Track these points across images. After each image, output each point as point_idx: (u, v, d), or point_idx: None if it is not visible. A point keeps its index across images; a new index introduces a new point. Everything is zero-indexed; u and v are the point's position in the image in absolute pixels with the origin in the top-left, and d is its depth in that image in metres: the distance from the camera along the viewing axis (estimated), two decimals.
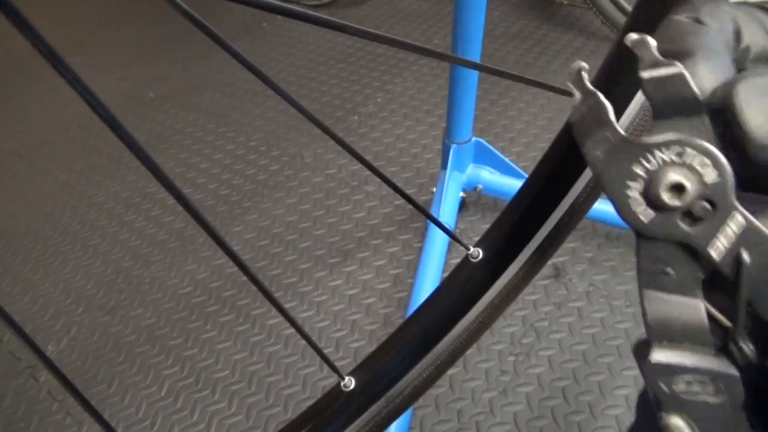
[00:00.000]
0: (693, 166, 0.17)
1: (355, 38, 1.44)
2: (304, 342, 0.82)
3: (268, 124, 1.25)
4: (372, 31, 0.27)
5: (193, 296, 0.92)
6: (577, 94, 0.19)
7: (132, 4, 1.87)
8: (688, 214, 0.17)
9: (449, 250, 0.88)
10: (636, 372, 0.73)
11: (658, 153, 0.17)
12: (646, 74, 0.17)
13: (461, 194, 0.92)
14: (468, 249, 0.36)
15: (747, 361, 0.17)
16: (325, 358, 0.36)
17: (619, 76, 0.33)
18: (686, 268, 0.18)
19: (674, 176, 0.17)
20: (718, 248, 0.17)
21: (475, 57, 0.75)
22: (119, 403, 0.80)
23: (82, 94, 0.21)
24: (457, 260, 0.39)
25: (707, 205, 0.17)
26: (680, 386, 0.18)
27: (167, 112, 1.34)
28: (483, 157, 0.91)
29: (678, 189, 0.17)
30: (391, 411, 0.36)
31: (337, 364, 0.79)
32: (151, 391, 0.80)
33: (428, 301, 0.38)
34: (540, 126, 1.13)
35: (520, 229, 0.36)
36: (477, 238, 0.37)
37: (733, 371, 0.17)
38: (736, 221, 0.17)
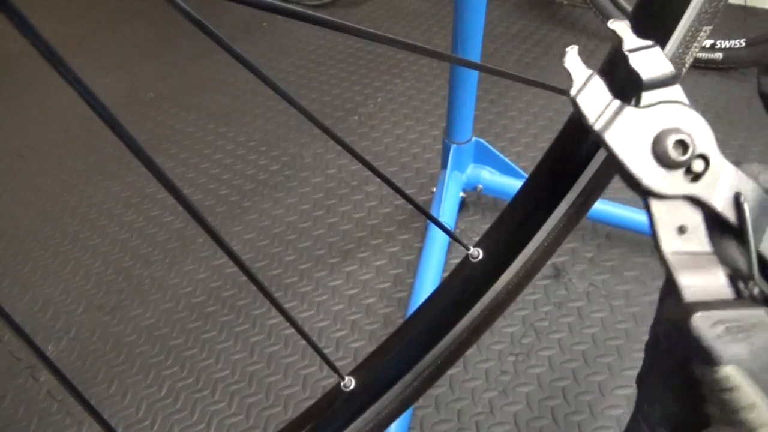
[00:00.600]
0: (685, 128, 0.20)
1: (355, 38, 1.44)
2: (304, 342, 0.82)
3: (268, 124, 1.25)
4: (372, 31, 0.27)
5: (193, 296, 0.92)
6: (575, 75, 0.20)
7: (132, 3, 1.87)
8: (689, 172, 0.20)
9: (449, 250, 0.88)
10: (636, 372, 0.73)
11: (656, 117, 0.19)
12: (628, 50, 0.20)
13: (461, 194, 0.92)
14: (468, 249, 0.36)
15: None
16: (325, 358, 0.36)
17: (619, 76, 0.33)
18: (696, 223, 0.20)
19: (677, 135, 0.19)
20: (718, 198, 0.20)
21: (475, 57, 0.75)
22: (119, 403, 0.80)
23: (82, 94, 0.21)
24: (457, 260, 0.39)
25: (702, 162, 0.20)
26: (722, 336, 0.18)
27: (167, 112, 1.34)
28: (483, 157, 0.91)
29: (682, 145, 0.19)
30: (391, 411, 0.36)
31: (337, 364, 0.79)
32: (151, 391, 0.80)
33: (428, 301, 0.38)
34: (540, 126, 1.13)
35: (520, 229, 0.36)
36: (477, 238, 0.37)
37: (760, 311, 0.18)
38: (728, 172, 0.20)
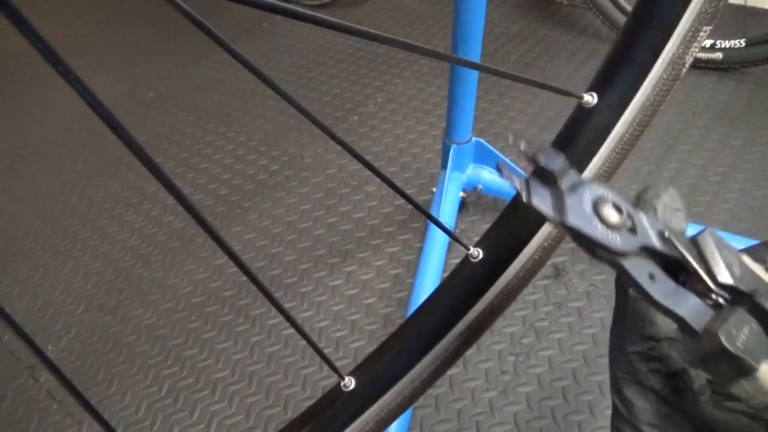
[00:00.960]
0: (602, 194, 0.24)
1: (355, 38, 1.44)
2: (304, 342, 0.82)
3: (268, 124, 1.25)
4: (372, 31, 0.27)
5: (193, 296, 0.92)
6: (516, 184, 0.24)
7: (132, 3, 1.87)
8: (630, 229, 0.24)
9: (449, 250, 0.88)
10: None
11: (583, 195, 0.24)
12: (532, 155, 0.25)
13: (461, 194, 0.92)
14: (468, 249, 0.36)
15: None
16: (325, 358, 0.36)
17: (618, 76, 0.33)
18: (655, 267, 0.23)
19: (606, 201, 0.24)
20: (655, 240, 0.24)
21: (475, 57, 0.75)
22: (119, 403, 0.80)
23: (82, 94, 0.21)
24: (457, 260, 0.39)
25: (629, 217, 0.24)
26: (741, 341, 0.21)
27: (167, 112, 1.34)
28: (483, 157, 0.91)
29: (616, 207, 0.23)
30: (391, 411, 0.36)
31: (337, 364, 0.79)
32: (151, 391, 0.80)
33: (428, 301, 0.38)
34: (540, 126, 1.13)
35: (520, 229, 0.36)
36: (477, 238, 0.37)
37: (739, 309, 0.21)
38: (646, 220, 0.24)
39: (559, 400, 0.72)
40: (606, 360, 0.72)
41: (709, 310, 0.22)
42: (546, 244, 0.35)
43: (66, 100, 1.42)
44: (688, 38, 0.31)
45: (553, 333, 0.78)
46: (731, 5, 1.31)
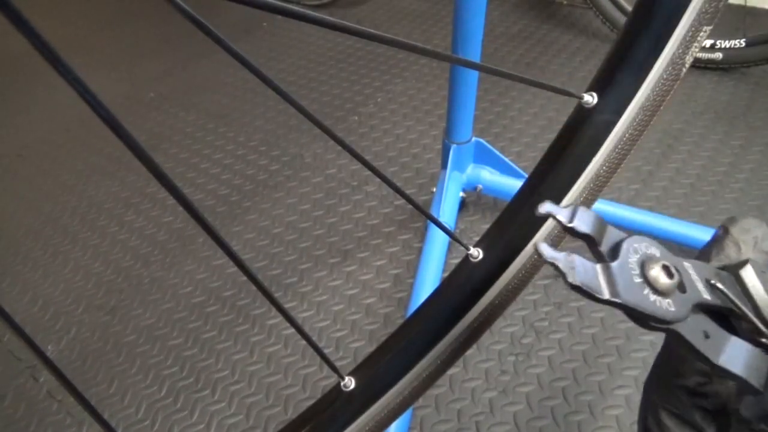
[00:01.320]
0: (648, 252, 0.23)
1: (355, 38, 1.44)
2: (304, 342, 0.82)
3: (268, 124, 1.25)
4: (372, 31, 0.27)
5: (193, 296, 0.92)
6: (560, 263, 0.22)
7: (132, 3, 1.87)
8: (680, 288, 0.22)
9: (449, 250, 0.88)
10: (636, 372, 0.73)
11: (631, 260, 0.22)
12: (567, 221, 0.24)
13: (461, 194, 0.92)
14: (468, 249, 0.36)
15: None
16: (325, 358, 0.36)
17: (618, 76, 0.33)
18: (708, 322, 0.22)
19: (656, 263, 0.22)
20: (705, 293, 0.22)
21: (475, 57, 0.75)
22: (119, 403, 0.80)
23: (82, 94, 0.21)
24: (457, 260, 0.39)
25: (678, 274, 0.22)
26: None
27: (167, 112, 1.34)
28: (483, 157, 0.91)
29: (666, 270, 0.22)
30: (391, 411, 0.36)
31: (337, 364, 0.79)
32: (151, 391, 0.80)
33: (428, 301, 0.38)
34: (540, 126, 1.13)
35: (520, 229, 0.36)
36: (477, 238, 0.37)
37: None
38: (692, 270, 0.23)
39: (559, 400, 0.72)
40: (606, 360, 0.72)
41: (765, 357, 0.21)
42: (547, 243, 0.35)
43: (66, 100, 1.42)
44: (688, 38, 0.31)
45: (553, 333, 0.78)
46: (731, 5, 1.31)
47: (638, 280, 0.22)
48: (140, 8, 1.84)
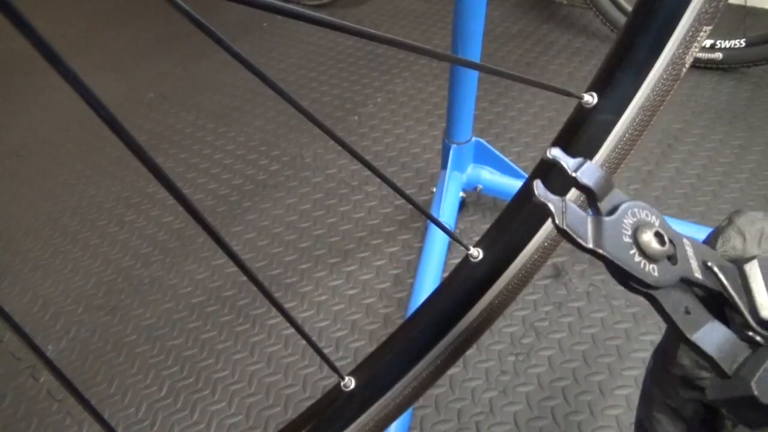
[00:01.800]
0: (646, 219, 0.23)
1: (355, 38, 1.44)
2: (304, 342, 0.82)
3: (268, 124, 1.25)
4: (372, 31, 0.27)
5: (193, 296, 0.92)
6: (551, 205, 0.22)
7: (132, 3, 1.87)
8: (669, 258, 0.22)
9: (449, 250, 0.88)
10: (636, 372, 0.73)
11: (626, 221, 0.22)
12: (573, 171, 0.24)
13: (461, 194, 0.92)
14: (468, 249, 0.36)
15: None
16: (325, 358, 0.36)
17: (618, 76, 0.33)
18: (692, 299, 0.22)
19: (650, 229, 0.22)
20: (697, 271, 0.22)
21: (475, 57, 0.75)
22: (119, 403, 0.80)
23: (82, 94, 0.21)
24: (457, 260, 0.39)
25: (671, 245, 0.22)
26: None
27: (167, 112, 1.34)
28: (483, 157, 0.91)
29: (658, 236, 0.22)
30: (391, 411, 0.36)
31: (337, 364, 0.79)
32: (151, 391, 0.80)
33: (428, 301, 0.38)
34: (540, 126, 1.13)
35: (520, 229, 0.36)
36: (477, 238, 0.37)
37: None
38: (690, 247, 0.23)
39: (559, 400, 0.72)
40: (606, 360, 0.72)
41: (745, 348, 0.21)
42: (546, 244, 0.35)
43: (66, 100, 1.42)
44: (688, 38, 0.31)
45: (553, 333, 0.78)
46: (731, 5, 1.31)
47: (627, 240, 0.22)
48: (140, 8, 1.84)
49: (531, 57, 1.32)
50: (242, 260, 0.29)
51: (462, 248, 0.36)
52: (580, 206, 0.23)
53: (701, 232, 0.80)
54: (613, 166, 0.35)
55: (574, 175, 0.23)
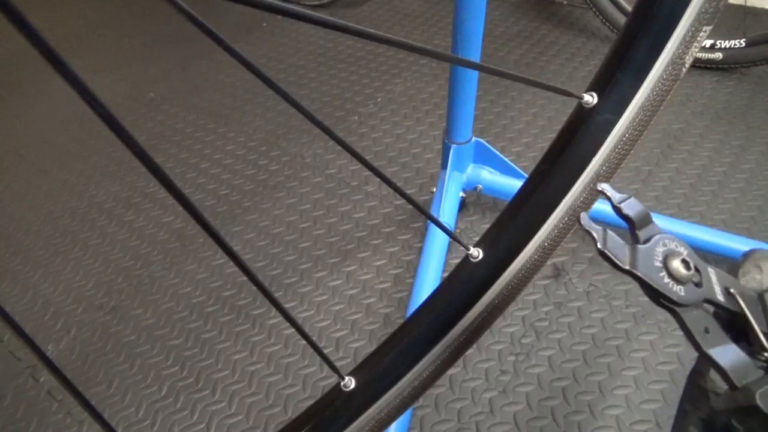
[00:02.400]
0: (675, 249, 0.26)
1: (355, 38, 1.44)
2: (304, 342, 0.82)
3: (268, 124, 1.25)
4: (372, 31, 0.27)
5: (193, 296, 0.92)
6: (594, 233, 0.26)
7: (132, 4, 1.87)
8: (695, 283, 0.26)
9: (449, 250, 0.88)
10: (636, 372, 0.73)
11: (657, 247, 0.26)
12: (618, 203, 0.28)
13: (461, 194, 0.92)
14: (468, 249, 0.36)
15: None
16: (325, 358, 0.36)
17: (618, 76, 0.33)
18: (712, 321, 0.25)
19: (679, 256, 0.26)
20: (719, 295, 0.26)
21: (475, 57, 0.75)
22: (119, 403, 0.80)
23: (82, 94, 0.21)
24: (457, 260, 0.39)
25: (696, 272, 0.26)
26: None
27: (167, 112, 1.34)
28: (483, 157, 0.91)
29: (685, 263, 0.26)
30: (391, 411, 0.36)
31: (337, 364, 0.80)
32: (151, 391, 0.80)
33: (428, 301, 0.38)
34: (540, 126, 1.13)
35: (520, 229, 0.36)
36: (477, 238, 0.37)
37: None
38: (714, 275, 0.26)
39: (559, 400, 0.72)
40: (606, 360, 0.72)
41: (758, 370, 0.24)
42: (546, 244, 0.35)
43: (66, 100, 1.42)
44: (688, 38, 0.31)
45: (553, 333, 0.78)
46: (731, 5, 1.31)
47: (658, 264, 0.26)
48: (140, 8, 1.84)
49: (531, 57, 1.32)
50: (242, 260, 0.29)
51: (462, 248, 0.36)
52: (619, 236, 0.26)
53: (701, 233, 0.80)
54: (613, 166, 0.35)
55: (618, 206, 0.28)
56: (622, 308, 0.80)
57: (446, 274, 0.50)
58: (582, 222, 0.26)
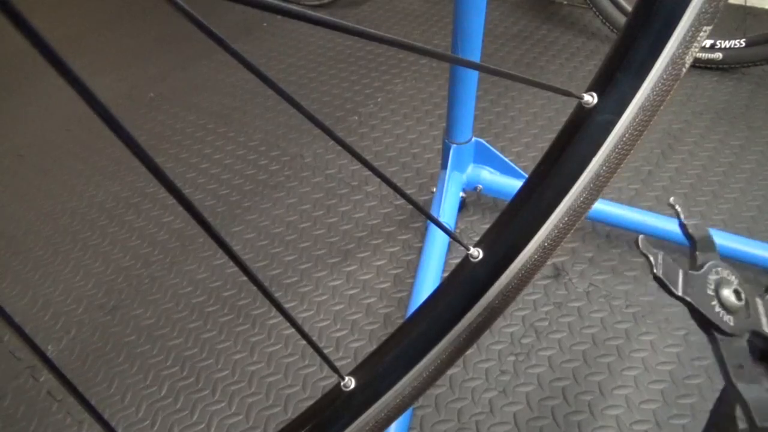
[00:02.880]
0: (727, 277, 0.26)
1: (355, 38, 1.44)
2: (304, 342, 0.82)
3: (268, 124, 1.25)
4: (372, 31, 0.27)
5: (193, 296, 0.92)
6: (651, 257, 0.27)
7: (132, 4, 1.87)
8: (745, 312, 0.26)
9: (449, 250, 0.88)
10: (636, 372, 0.73)
11: (711, 277, 0.26)
12: (685, 221, 0.30)
13: (461, 194, 0.92)
14: (468, 249, 0.36)
15: None
16: (325, 358, 0.36)
17: (618, 76, 0.33)
18: (749, 358, 0.25)
19: (730, 286, 0.26)
20: (765, 325, 0.26)
21: (475, 57, 0.75)
22: (119, 403, 0.80)
23: (83, 94, 0.21)
24: (457, 260, 0.39)
25: (746, 302, 0.26)
26: None
27: (167, 112, 1.34)
28: (483, 157, 0.91)
29: (736, 293, 0.25)
30: (391, 411, 0.36)
31: (337, 364, 0.80)
32: (151, 391, 0.80)
33: (428, 301, 0.38)
34: (540, 126, 1.13)
35: (520, 229, 0.36)
36: (477, 238, 0.37)
37: None
38: (762, 306, 0.26)
39: (559, 400, 0.72)
40: (606, 360, 0.72)
41: None
42: (546, 244, 0.35)
43: (66, 100, 1.42)
44: (688, 38, 0.31)
45: (553, 333, 0.78)
46: (731, 5, 1.31)
47: (710, 293, 0.26)
48: (140, 8, 1.84)
49: (531, 57, 1.32)
50: (242, 260, 0.29)
51: (462, 248, 0.36)
52: (674, 260, 0.27)
53: None
54: (613, 166, 0.35)
55: (684, 222, 0.29)
56: (622, 308, 0.80)
57: (446, 274, 0.50)
58: (641, 246, 0.27)
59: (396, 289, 0.87)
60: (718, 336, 0.25)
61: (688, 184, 0.96)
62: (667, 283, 0.26)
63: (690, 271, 0.26)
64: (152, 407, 0.79)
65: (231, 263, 0.60)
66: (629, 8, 1.22)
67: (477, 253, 0.36)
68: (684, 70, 0.32)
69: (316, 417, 0.37)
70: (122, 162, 1.21)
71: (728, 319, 0.25)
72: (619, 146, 0.34)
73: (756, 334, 0.26)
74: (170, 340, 0.86)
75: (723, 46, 1.16)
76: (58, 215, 1.11)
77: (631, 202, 0.94)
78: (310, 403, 0.39)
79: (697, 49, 0.32)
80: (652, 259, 0.26)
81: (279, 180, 1.10)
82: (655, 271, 0.26)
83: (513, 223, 0.36)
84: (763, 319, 0.26)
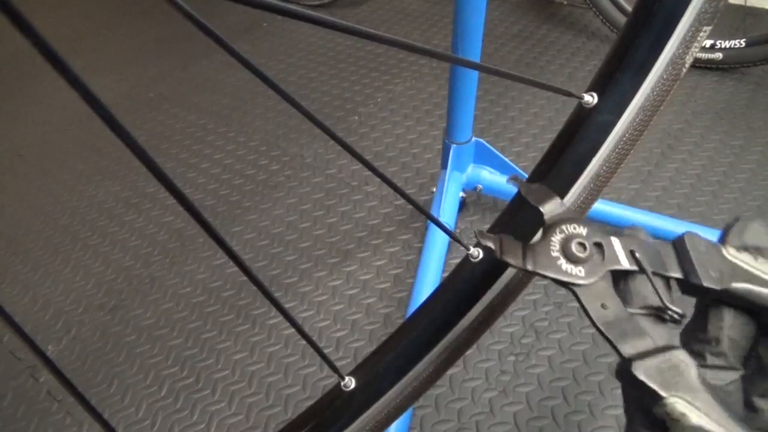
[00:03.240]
0: (573, 232, 0.27)
1: (355, 38, 1.44)
2: (304, 342, 0.82)
3: (268, 124, 1.25)
4: (372, 31, 0.27)
5: (193, 296, 0.92)
6: (492, 244, 0.28)
7: (132, 4, 1.87)
8: (600, 256, 0.27)
9: (449, 250, 0.88)
10: None
11: (554, 238, 0.27)
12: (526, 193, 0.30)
13: (461, 194, 0.92)
14: (468, 249, 0.36)
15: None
16: (325, 358, 0.36)
17: (618, 76, 0.33)
18: (612, 297, 0.26)
19: (574, 240, 0.27)
20: (623, 261, 0.27)
21: (475, 57, 0.75)
22: (119, 403, 0.80)
23: (83, 94, 0.21)
24: (457, 260, 0.39)
25: (597, 247, 0.27)
26: (658, 376, 0.24)
27: (167, 112, 1.34)
28: (483, 157, 0.91)
29: (581, 245, 0.26)
30: (391, 411, 0.36)
31: (337, 364, 0.80)
32: (151, 391, 0.80)
33: (428, 301, 0.38)
34: (540, 126, 1.13)
35: (520, 229, 0.36)
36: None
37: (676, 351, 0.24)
38: (616, 242, 0.27)
39: (559, 400, 0.72)
40: (606, 360, 0.72)
41: (649, 341, 0.25)
42: None
43: (66, 100, 1.42)
44: (688, 38, 0.31)
45: (553, 333, 0.78)
46: (731, 5, 1.31)
47: (555, 252, 0.27)
48: (140, 8, 1.84)
49: (531, 57, 1.32)
50: (242, 260, 0.29)
51: (462, 248, 0.36)
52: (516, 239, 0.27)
53: (701, 232, 0.80)
54: (613, 166, 0.35)
55: (524, 196, 0.29)
56: None
57: (446, 274, 0.50)
58: (478, 237, 0.27)
59: (396, 289, 0.87)
60: (576, 289, 0.26)
61: (688, 184, 0.96)
62: (511, 262, 0.26)
63: (528, 243, 0.27)
64: (152, 407, 0.79)
65: (231, 263, 0.60)
66: (629, 8, 1.22)
67: (477, 253, 0.36)
68: (684, 70, 0.32)
69: (316, 417, 0.37)
70: (122, 162, 1.21)
71: (579, 271, 0.26)
72: (619, 146, 0.34)
73: (616, 272, 0.27)
74: (170, 340, 0.86)
75: (723, 46, 1.16)
76: (58, 215, 1.11)
77: (631, 202, 0.94)
78: (310, 403, 0.39)
79: (697, 49, 0.32)
80: (491, 244, 0.27)
81: (279, 180, 1.10)
82: (497, 255, 0.27)
83: (513, 223, 0.36)
84: (620, 256, 0.27)
